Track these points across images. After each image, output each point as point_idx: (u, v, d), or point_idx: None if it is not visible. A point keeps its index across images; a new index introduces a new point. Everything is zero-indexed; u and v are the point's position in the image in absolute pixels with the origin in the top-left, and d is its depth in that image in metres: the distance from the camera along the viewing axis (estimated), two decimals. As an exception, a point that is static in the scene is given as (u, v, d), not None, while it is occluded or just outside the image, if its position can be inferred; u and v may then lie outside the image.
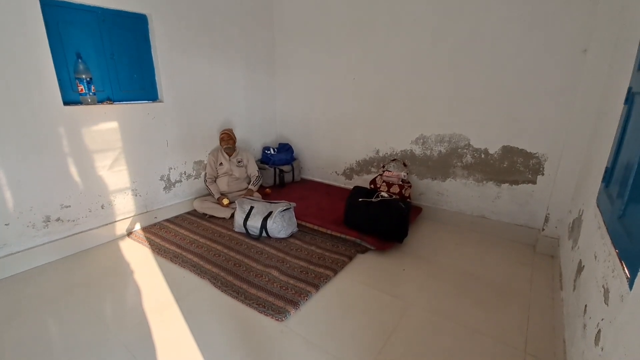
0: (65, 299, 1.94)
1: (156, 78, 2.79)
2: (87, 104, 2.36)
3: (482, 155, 2.80)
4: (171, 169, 2.99)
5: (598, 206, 1.40)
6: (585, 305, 1.22)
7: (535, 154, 2.55)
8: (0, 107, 1.96)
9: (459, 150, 2.90)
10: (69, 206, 2.36)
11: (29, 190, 2.15)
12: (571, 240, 1.90)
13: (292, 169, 3.84)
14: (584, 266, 1.42)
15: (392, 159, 3.29)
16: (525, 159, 2.61)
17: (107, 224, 2.59)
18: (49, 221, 2.28)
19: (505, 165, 2.71)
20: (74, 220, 2.40)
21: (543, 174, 2.55)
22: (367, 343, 1.63)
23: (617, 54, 1.90)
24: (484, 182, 2.84)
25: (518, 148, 2.62)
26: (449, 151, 2.96)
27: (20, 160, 2.09)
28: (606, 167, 1.41)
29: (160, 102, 2.82)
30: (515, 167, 2.67)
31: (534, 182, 2.60)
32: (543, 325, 1.75)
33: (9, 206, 2.09)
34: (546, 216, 2.47)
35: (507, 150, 2.67)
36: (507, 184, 2.73)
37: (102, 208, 2.55)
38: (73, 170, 2.34)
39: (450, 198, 3.05)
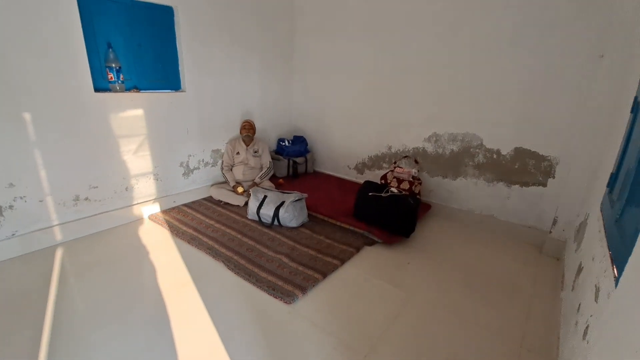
0: (92, 273, 2.10)
1: (179, 68, 2.91)
2: (116, 91, 2.50)
3: (494, 156, 2.82)
4: (190, 156, 3.13)
5: (601, 210, 1.44)
6: (580, 304, 1.28)
7: (547, 156, 2.56)
8: (37, 92, 2.12)
9: (471, 149, 2.93)
10: (97, 187, 2.52)
11: (61, 171, 2.32)
12: (576, 243, 1.93)
13: (306, 161, 3.93)
14: (582, 267, 1.47)
15: (404, 155, 3.33)
16: (537, 161, 2.62)
17: (130, 205, 2.75)
18: (78, 200, 2.45)
19: (516, 167, 2.73)
20: (100, 201, 2.57)
21: (554, 177, 2.56)
22: (369, 328, 1.73)
23: (632, 62, 1.90)
24: (495, 182, 2.87)
25: (530, 150, 2.63)
26: (461, 150, 2.99)
27: (53, 142, 2.25)
28: (611, 173, 1.44)
29: (182, 92, 2.94)
30: (526, 168, 2.68)
31: (545, 185, 2.62)
32: (541, 323, 1.80)
33: (43, 184, 2.26)
34: (554, 219, 2.49)
35: (520, 152, 2.69)
36: (517, 185, 2.76)
37: (126, 190, 2.71)
38: (101, 153, 2.50)
39: (460, 196, 3.09)
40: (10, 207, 2.15)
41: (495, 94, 2.69)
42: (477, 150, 2.90)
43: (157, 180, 2.91)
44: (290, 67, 3.97)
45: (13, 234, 2.19)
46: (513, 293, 2.07)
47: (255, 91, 3.61)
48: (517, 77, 2.56)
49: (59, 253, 2.29)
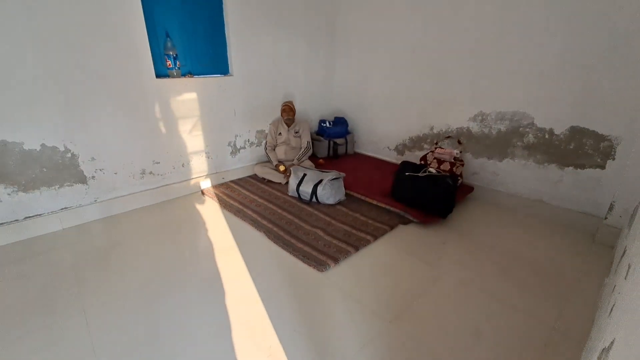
0: (155, 236, 2.44)
1: (228, 53, 3.11)
2: (173, 77, 2.78)
3: (546, 136, 2.64)
4: (237, 136, 3.37)
5: (652, 190, 1.33)
6: (615, 285, 1.23)
7: (607, 136, 2.34)
8: (109, 78, 2.44)
9: (521, 129, 2.76)
10: (159, 162, 2.87)
11: (130, 147, 2.67)
12: (628, 227, 1.79)
13: (346, 142, 3.99)
14: (626, 250, 1.39)
15: (447, 136, 3.24)
16: (595, 141, 2.40)
17: (186, 180, 3.08)
18: (144, 173, 2.81)
19: (571, 147, 2.53)
20: (162, 175, 2.91)
21: (614, 159, 2.34)
22: (396, 299, 1.81)
23: None
24: (546, 164, 2.69)
25: (588, 129, 2.42)
26: (509, 130, 2.83)
27: (123, 122, 2.59)
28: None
29: (230, 75, 3.16)
30: (582, 149, 2.48)
31: (603, 167, 2.40)
32: (580, 308, 1.72)
33: (117, 159, 2.63)
34: (611, 204, 2.29)
35: (576, 131, 2.48)
36: (571, 168, 2.56)
37: (183, 166, 3.03)
38: (162, 132, 2.82)
39: (506, 179, 2.95)
40: (93, 177, 2.55)
41: (550, 67, 2.48)
42: (528, 129, 2.73)
43: (209, 158, 3.20)
44: (333, 47, 4.00)
45: (95, 200, 2.60)
46: (555, 280, 1.98)
47: (298, 73, 3.72)
48: (578, 46, 2.33)
49: (130, 218, 2.67)
